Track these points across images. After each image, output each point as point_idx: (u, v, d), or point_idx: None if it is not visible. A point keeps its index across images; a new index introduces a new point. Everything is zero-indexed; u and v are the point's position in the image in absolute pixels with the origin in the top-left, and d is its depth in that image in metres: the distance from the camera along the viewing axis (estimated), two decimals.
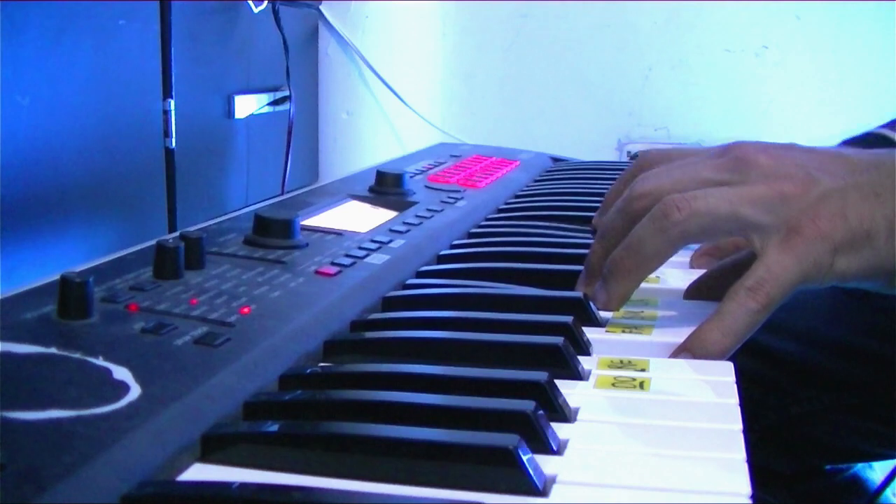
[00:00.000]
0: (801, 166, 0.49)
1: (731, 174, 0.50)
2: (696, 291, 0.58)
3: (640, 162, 0.66)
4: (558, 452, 0.36)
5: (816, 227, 0.47)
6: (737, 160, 0.51)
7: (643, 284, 0.54)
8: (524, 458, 0.33)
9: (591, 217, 0.75)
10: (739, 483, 0.33)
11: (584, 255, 0.62)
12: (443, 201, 0.80)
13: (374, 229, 0.68)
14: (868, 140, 0.68)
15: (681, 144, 1.67)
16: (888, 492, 0.91)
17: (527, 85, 1.72)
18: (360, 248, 0.61)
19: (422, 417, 0.37)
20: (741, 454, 0.36)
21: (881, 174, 0.49)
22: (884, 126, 0.69)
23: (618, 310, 0.53)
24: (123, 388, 0.37)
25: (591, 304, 0.54)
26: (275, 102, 1.44)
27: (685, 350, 0.48)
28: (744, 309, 0.47)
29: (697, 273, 0.61)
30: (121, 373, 0.38)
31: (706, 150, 0.66)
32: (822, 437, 0.79)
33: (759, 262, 0.48)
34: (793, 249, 0.47)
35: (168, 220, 1.15)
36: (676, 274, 0.63)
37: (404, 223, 0.70)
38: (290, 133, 1.44)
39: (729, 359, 0.47)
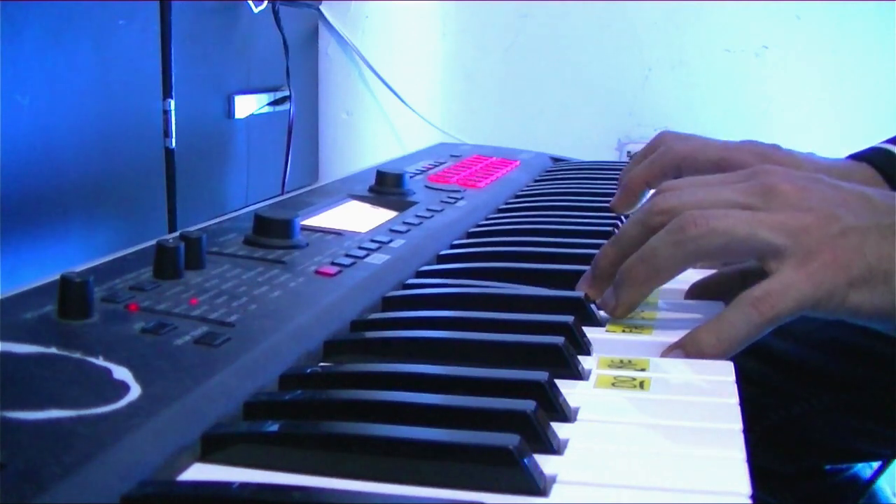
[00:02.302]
0: (825, 201, 0.49)
1: (755, 199, 0.50)
2: (699, 290, 0.58)
3: (660, 139, 0.67)
4: (558, 452, 0.36)
5: (835, 256, 0.46)
6: (762, 186, 0.50)
7: None
8: (524, 457, 0.33)
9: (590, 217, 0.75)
10: (739, 483, 0.33)
11: (584, 255, 0.62)
12: (443, 201, 0.80)
13: (374, 229, 0.68)
14: (872, 155, 0.68)
15: None
16: (887, 489, 0.91)
17: (527, 85, 1.71)
18: (360, 248, 0.61)
19: (422, 417, 0.37)
20: (741, 454, 0.36)
21: None
22: (888, 141, 0.69)
23: (624, 317, 0.53)
24: (123, 388, 0.37)
25: (592, 304, 0.54)
26: (275, 102, 1.44)
27: (678, 348, 0.48)
28: (745, 318, 0.47)
29: (698, 273, 0.61)
30: (121, 373, 0.38)
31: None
32: (822, 437, 0.79)
33: (773, 277, 0.47)
34: (809, 272, 0.46)
35: (168, 220, 1.15)
36: None
37: (404, 223, 0.70)
38: (290, 133, 1.44)
39: (729, 359, 0.47)
